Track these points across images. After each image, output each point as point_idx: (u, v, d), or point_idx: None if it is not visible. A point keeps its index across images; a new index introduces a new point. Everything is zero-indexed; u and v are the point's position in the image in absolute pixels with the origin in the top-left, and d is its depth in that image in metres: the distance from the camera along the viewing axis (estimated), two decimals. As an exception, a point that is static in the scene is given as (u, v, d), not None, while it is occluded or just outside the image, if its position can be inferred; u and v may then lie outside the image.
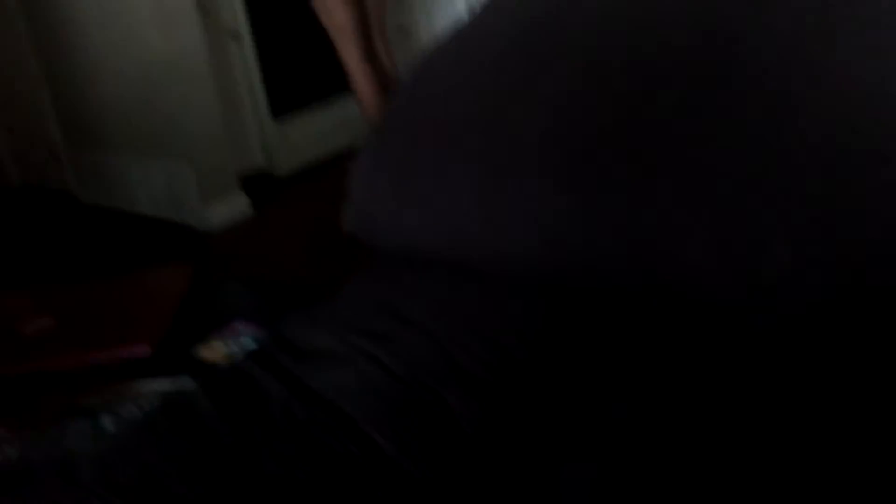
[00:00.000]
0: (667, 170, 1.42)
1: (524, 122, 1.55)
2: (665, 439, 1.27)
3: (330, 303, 1.72)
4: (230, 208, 3.66)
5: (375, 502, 1.29)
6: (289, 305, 2.02)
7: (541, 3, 1.72)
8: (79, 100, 3.79)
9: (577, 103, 1.53)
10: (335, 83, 3.59)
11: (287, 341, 1.60)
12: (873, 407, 1.23)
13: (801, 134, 1.34)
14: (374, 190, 1.68)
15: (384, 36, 3.16)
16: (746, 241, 1.36)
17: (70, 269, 3.15)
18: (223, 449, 1.33)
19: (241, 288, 2.21)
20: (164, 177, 3.67)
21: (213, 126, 3.59)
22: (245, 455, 1.32)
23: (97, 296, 2.21)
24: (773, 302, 1.36)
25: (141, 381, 1.88)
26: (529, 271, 1.53)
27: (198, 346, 2.01)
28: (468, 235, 1.55)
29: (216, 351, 1.98)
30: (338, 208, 1.97)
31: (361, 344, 1.54)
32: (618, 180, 1.45)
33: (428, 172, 1.56)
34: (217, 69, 3.61)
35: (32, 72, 3.88)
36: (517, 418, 1.43)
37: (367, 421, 1.38)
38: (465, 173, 1.54)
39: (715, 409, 1.30)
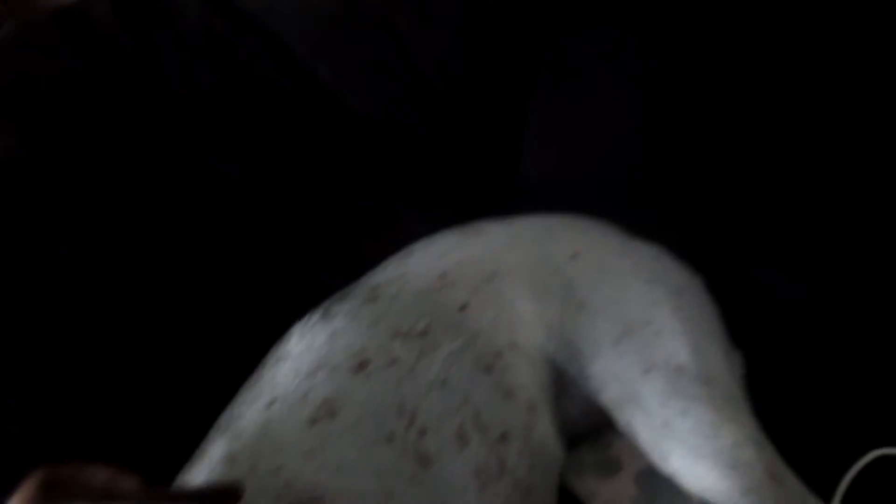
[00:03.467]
0: None
1: None
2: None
3: None
4: None
5: (306, 138, 1.09)
6: None
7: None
8: None
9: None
10: None
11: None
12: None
13: None
14: None
15: None
16: None
17: None
18: (122, 64, 1.09)
19: None
20: None
21: None
22: (150, 74, 1.09)
23: None
24: None
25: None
26: None
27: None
28: None
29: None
30: None
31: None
32: None
33: None
34: None
35: None
36: (485, 52, 1.21)
37: (301, 43, 1.14)
38: None
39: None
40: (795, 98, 1.04)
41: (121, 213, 0.93)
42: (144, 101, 1.06)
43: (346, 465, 0.66)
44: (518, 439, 0.74)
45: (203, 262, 0.93)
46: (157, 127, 1.03)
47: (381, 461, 0.67)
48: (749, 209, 1.04)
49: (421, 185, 1.12)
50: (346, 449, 0.67)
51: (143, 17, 1.14)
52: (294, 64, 1.13)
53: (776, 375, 0.90)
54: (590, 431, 0.84)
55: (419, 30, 1.16)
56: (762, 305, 0.96)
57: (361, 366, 0.73)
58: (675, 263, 0.89)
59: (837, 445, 0.86)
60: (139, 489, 0.48)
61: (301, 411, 0.70)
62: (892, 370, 0.90)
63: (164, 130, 1.02)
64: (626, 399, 0.77)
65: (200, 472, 0.67)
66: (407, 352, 0.74)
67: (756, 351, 0.89)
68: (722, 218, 1.04)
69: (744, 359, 0.89)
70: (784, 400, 0.87)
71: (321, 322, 0.79)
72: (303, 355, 0.75)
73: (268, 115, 1.07)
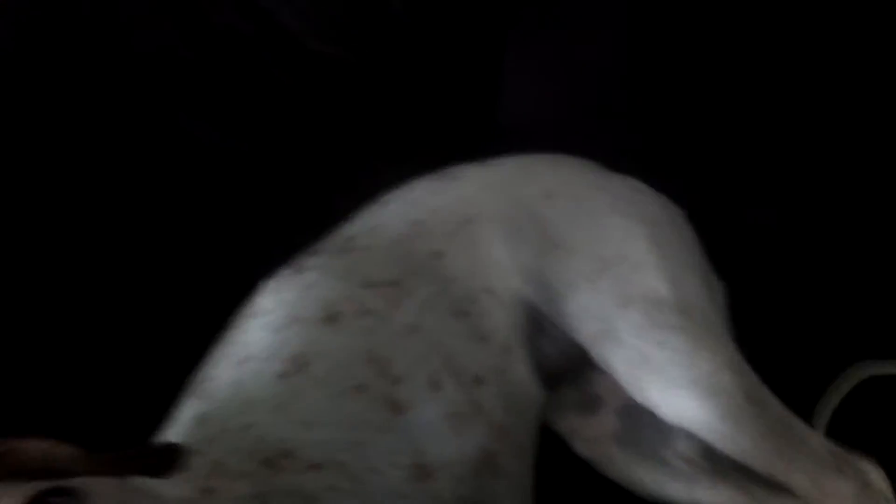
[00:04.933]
0: None
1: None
2: None
3: None
4: None
5: (272, 88, 1.06)
6: None
7: None
8: None
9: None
10: None
11: None
12: None
13: None
14: None
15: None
16: None
17: None
18: (81, 22, 1.06)
19: None
20: None
21: None
22: (110, 29, 1.06)
23: None
24: None
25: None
26: None
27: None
28: None
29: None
30: None
31: None
32: None
33: None
34: None
35: None
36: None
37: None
38: None
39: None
40: (772, 35, 1.03)
41: (85, 175, 0.92)
42: (105, 57, 1.03)
43: (316, 416, 0.65)
44: (492, 382, 0.73)
45: (169, 219, 0.92)
46: (118, 83, 1.00)
47: (351, 411, 0.66)
48: (729, 147, 1.03)
49: (395, 131, 1.10)
50: (316, 401, 0.66)
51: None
52: (256, 9, 1.10)
53: (761, 306, 0.89)
54: (570, 371, 0.83)
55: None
56: (742, 236, 0.96)
57: (332, 318, 0.72)
58: (654, 196, 0.87)
59: (818, 366, 0.85)
60: (78, 459, 0.47)
61: (272, 367, 0.69)
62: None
63: (126, 86, 1.00)
64: (604, 334, 0.76)
65: (172, 435, 0.66)
66: (379, 301, 0.73)
67: (740, 281, 0.88)
68: (701, 152, 1.03)
69: (727, 289, 0.88)
70: (767, 329, 0.87)
71: (293, 277, 0.78)
72: (274, 311, 0.74)
73: (232, 66, 1.05)
